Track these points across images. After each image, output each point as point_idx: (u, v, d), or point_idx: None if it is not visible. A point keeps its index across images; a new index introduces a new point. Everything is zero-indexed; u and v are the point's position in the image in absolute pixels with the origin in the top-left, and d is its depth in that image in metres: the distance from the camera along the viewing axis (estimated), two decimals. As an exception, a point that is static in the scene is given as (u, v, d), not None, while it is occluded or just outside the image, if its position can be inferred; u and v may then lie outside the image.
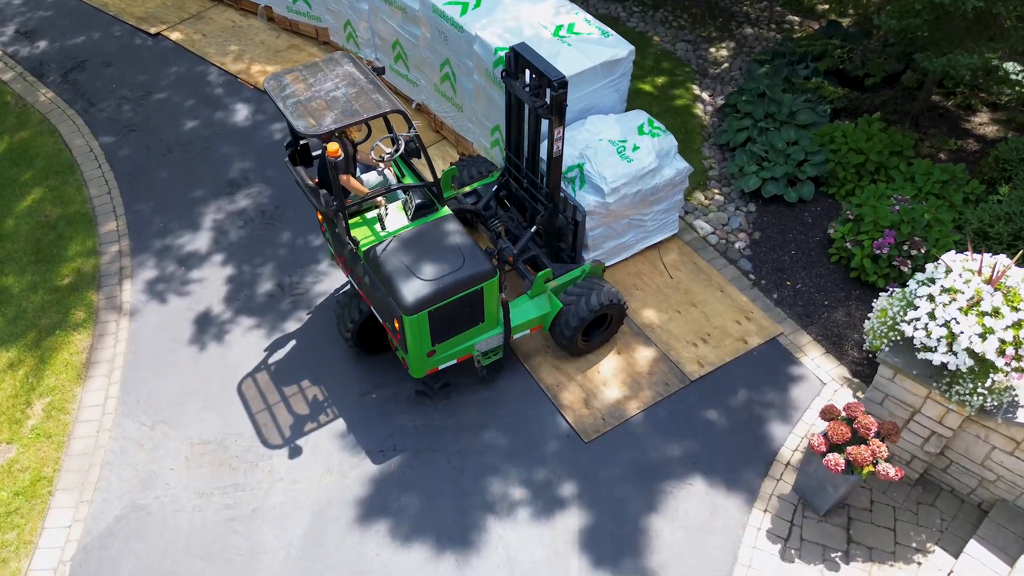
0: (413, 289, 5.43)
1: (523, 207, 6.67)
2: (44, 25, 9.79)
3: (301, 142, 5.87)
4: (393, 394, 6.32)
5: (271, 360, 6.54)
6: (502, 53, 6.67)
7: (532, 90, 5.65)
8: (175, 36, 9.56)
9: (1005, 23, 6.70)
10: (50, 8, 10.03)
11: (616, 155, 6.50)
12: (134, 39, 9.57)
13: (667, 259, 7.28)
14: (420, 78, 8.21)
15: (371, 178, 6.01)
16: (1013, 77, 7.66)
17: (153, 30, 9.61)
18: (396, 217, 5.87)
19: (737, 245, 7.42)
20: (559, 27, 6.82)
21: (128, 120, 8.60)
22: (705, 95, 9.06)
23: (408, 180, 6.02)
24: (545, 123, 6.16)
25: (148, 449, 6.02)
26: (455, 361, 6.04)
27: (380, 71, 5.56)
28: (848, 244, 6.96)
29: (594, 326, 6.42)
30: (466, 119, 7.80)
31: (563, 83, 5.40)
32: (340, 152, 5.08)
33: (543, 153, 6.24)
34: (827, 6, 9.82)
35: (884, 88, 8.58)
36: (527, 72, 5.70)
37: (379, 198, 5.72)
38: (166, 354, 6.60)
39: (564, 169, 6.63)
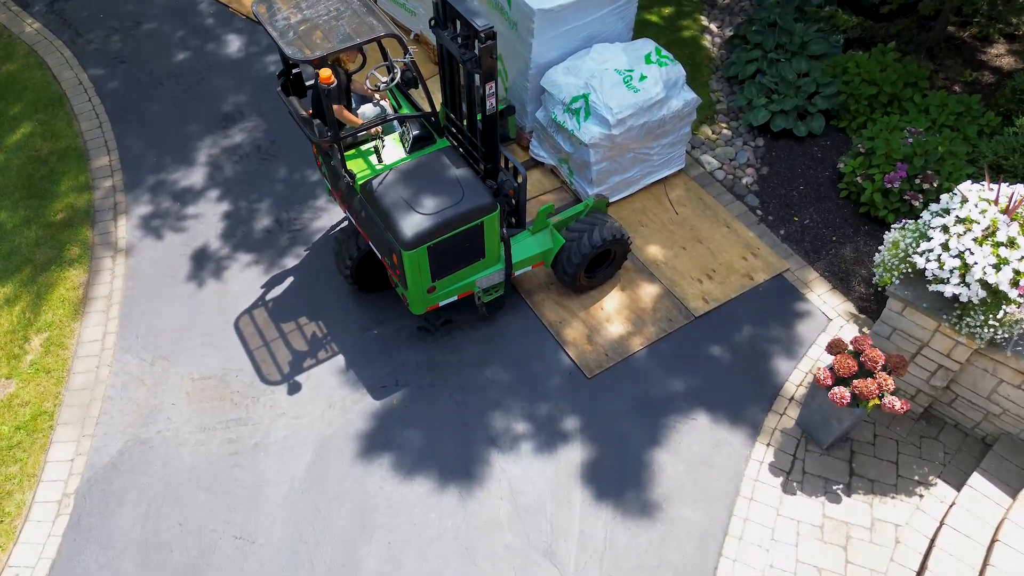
0: (412, 223, 5.30)
1: None
2: (27, -47, 9.41)
3: (294, 71, 5.65)
4: (394, 330, 6.26)
5: (270, 296, 6.46)
6: (503, -23, 6.39)
7: (462, 42, 5.06)
8: (163, -36, 9.19)
9: (1031, -56, 6.38)
10: (32, -65, 9.63)
11: (622, 85, 6.28)
12: (120, -33, 9.20)
13: (673, 195, 7.12)
14: (419, 7, 7.91)
15: (367, 110, 5.81)
16: (1035, 5, 7.37)
17: (140, -43, 9.23)
18: (393, 149, 5.70)
19: (744, 180, 7.25)
20: (563, -51, 6.50)
21: (117, 51, 8.33)
22: (713, 26, 8.75)
23: (405, 111, 5.82)
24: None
25: (149, 384, 5.99)
26: (456, 298, 5.95)
27: (375, -7, 5.31)
28: (858, 178, 6.79)
29: (597, 262, 6.31)
30: (466, 49, 7.52)
31: (491, 34, 4.79)
32: (333, 79, 4.88)
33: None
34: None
35: (899, 17, 8.27)
36: (456, 22, 5.10)
37: (375, 128, 5.54)
38: (164, 290, 6.52)
39: (569, 100, 6.42)
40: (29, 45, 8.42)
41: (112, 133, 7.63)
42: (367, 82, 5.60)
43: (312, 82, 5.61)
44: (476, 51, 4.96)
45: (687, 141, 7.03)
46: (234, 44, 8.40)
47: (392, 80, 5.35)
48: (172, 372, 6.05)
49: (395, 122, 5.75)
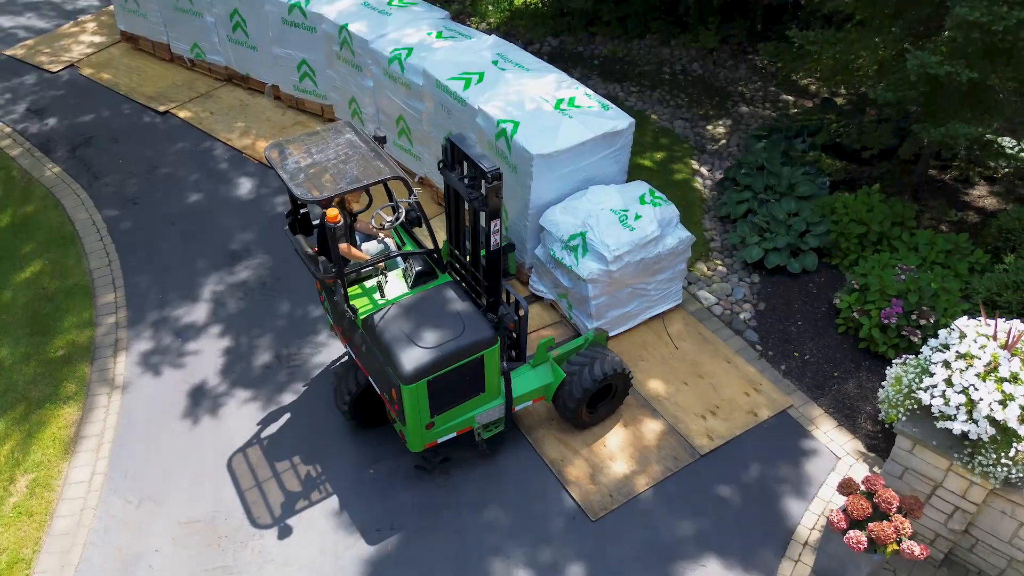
0: (412, 357, 5.29)
1: None
2: (55, 103, 10.01)
3: (301, 210, 5.85)
4: (391, 469, 6.08)
5: (265, 434, 6.33)
6: (505, 125, 6.77)
7: (469, 182, 5.36)
8: (183, 114, 9.75)
9: (999, 95, 6.81)
10: (62, 87, 10.28)
11: (618, 223, 6.48)
12: (143, 117, 9.76)
13: (672, 329, 7.16)
14: (423, 152, 8.32)
15: (371, 246, 5.97)
16: (1008, 151, 7.76)
17: (162, 108, 9.81)
18: (396, 285, 5.80)
19: (742, 316, 7.32)
20: (560, 100, 6.94)
21: (132, 194, 8.66)
22: (704, 169, 9.15)
23: (409, 248, 5.97)
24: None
25: (133, 528, 5.73)
26: (455, 434, 5.83)
27: (381, 140, 5.59)
28: (855, 314, 6.85)
29: (599, 396, 6.23)
30: (468, 191, 7.83)
31: (498, 175, 5.10)
32: (340, 218, 5.04)
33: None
34: (819, 85, 10.06)
35: (881, 161, 8.67)
36: (464, 164, 5.43)
37: (380, 263, 5.65)
38: (157, 428, 6.39)
39: (567, 237, 6.60)
40: (48, 188, 8.76)
41: (120, 271, 7.78)
42: (372, 221, 5.78)
43: (319, 221, 5.79)
44: (483, 190, 5.20)
45: (683, 277, 7.16)
46: (246, 186, 8.75)
47: (397, 219, 5.53)
48: (159, 515, 5.81)
49: (399, 258, 5.89)
